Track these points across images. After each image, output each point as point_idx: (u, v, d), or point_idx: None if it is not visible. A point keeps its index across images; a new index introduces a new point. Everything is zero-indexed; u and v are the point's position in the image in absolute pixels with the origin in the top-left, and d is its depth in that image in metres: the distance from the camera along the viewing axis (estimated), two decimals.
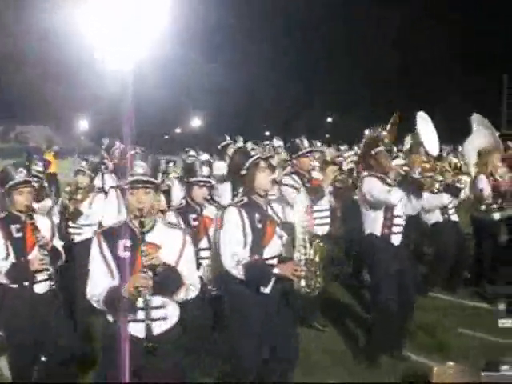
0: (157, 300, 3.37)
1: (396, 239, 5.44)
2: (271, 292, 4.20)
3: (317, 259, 4.15)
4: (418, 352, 5.57)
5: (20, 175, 4.39)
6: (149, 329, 3.32)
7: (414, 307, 5.63)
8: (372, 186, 5.35)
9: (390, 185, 5.38)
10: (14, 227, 4.38)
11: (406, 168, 6.09)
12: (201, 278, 4.59)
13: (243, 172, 4.30)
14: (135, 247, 3.38)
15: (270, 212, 4.30)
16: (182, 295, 3.48)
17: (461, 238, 7.79)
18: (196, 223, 4.81)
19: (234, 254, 4.08)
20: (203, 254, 4.80)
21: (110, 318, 3.47)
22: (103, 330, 3.59)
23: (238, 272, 4.06)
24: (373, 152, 5.50)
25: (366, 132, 8.25)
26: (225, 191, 8.06)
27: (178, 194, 6.96)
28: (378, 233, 5.40)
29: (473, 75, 46.86)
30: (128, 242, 3.40)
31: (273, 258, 4.23)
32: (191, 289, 3.54)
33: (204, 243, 4.82)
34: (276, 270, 4.08)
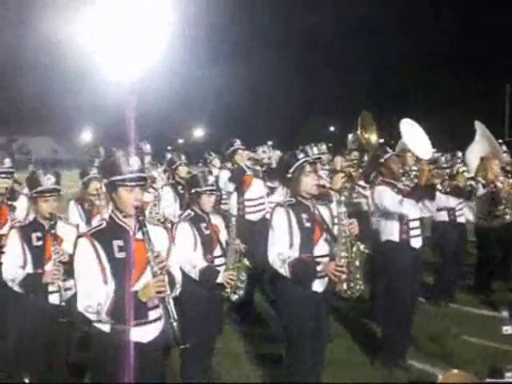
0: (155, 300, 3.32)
1: (416, 243, 5.43)
2: (324, 291, 4.29)
3: (357, 263, 4.21)
4: (423, 360, 5.56)
5: (48, 182, 4.38)
6: (175, 330, 3.18)
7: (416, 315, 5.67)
8: (384, 197, 5.30)
9: (401, 191, 5.36)
10: (34, 235, 4.37)
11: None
12: (222, 285, 4.75)
13: (289, 175, 4.35)
14: (129, 247, 3.28)
15: (316, 213, 4.36)
16: (174, 294, 3.41)
17: (463, 241, 7.80)
18: (208, 232, 4.86)
19: (280, 253, 4.16)
20: (218, 261, 4.85)
21: (105, 328, 3.27)
22: (104, 342, 3.31)
23: (285, 271, 4.14)
24: (382, 159, 5.48)
25: (349, 137, 8.29)
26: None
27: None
28: (396, 239, 5.36)
29: (476, 83, 46.92)
30: (121, 243, 3.29)
31: (323, 256, 4.28)
32: (178, 287, 3.45)
33: (218, 251, 4.88)
34: (319, 268, 4.15)
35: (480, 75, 49.06)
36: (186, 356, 4.85)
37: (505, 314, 6.82)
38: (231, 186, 7.15)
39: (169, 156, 8.43)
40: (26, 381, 4.98)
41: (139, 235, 3.29)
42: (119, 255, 3.26)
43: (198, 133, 63.14)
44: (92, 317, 3.24)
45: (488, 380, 4.08)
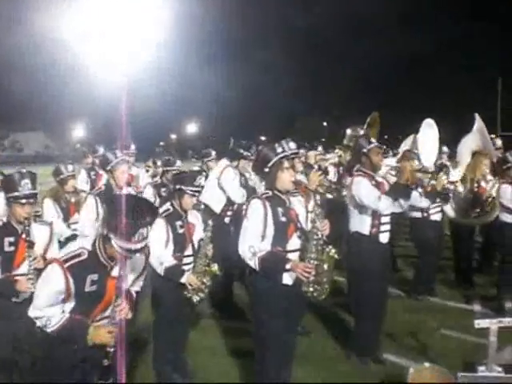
0: None
1: (384, 238, 5.42)
2: (294, 284, 4.24)
3: (325, 266, 4.16)
4: (399, 353, 5.56)
5: (24, 187, 4.22)
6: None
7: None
8: (362, 190, 5.27)
9: (378, 184, 5.35)
10: (7, 240, 4.22)
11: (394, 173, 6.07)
12: (183, 285, 4.72)
13: (266, 169, 4.31)
14: (104, 281, 3.25)
15: (292, 207, 4.32)
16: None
17: (440, 235, 7.80)
18: (182, 231, 4.83)
19: (251, 245, 4.13)
20: (187, 260, 4.83)
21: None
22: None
23: (254, 263, 4.12)
24: (365, 149, 5.44)
25: (348, 131, 8.29)
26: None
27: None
28: (365, 232, 5.36)
29: (468, 78, 47.10)
30: (96, 277, 3.23)
31: (295, 251, 4.26)
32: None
33: (189, 250, 4.86)
34: (288, 266, 4.12)
35: (471, 69, 49.28)
36: (158, 351, 4.87)
37: (477, 307, 6.89)
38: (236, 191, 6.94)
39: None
40: None
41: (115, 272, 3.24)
42: (90, 289, 3.20)
43: (192, 128, 63.00)
44: (39, 322, 3.25)
45: (460, 374, 4.10)
